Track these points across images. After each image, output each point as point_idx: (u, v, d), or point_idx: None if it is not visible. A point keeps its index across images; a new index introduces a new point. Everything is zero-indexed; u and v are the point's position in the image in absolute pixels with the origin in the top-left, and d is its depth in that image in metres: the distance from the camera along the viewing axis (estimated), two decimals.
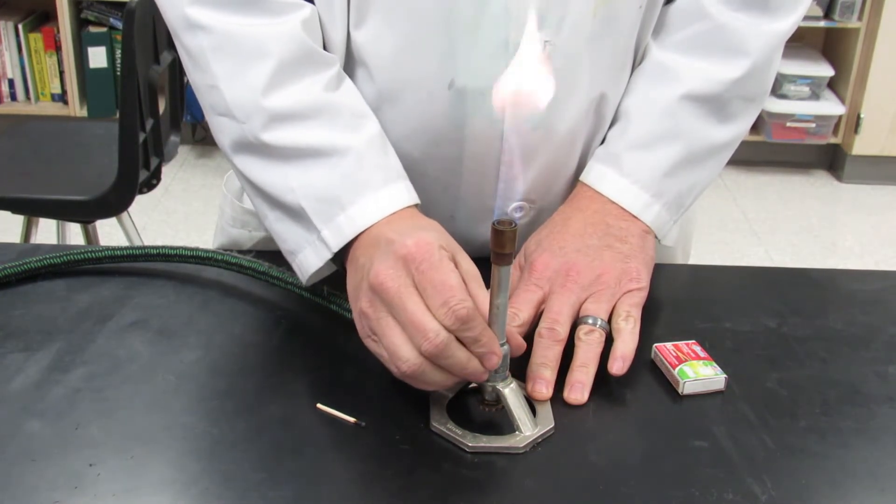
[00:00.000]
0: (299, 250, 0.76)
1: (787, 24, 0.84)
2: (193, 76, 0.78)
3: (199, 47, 0.76)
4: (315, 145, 0.74)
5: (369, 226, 0.72)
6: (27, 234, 2.10)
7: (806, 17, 3.51)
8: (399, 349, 0.65)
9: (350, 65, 0.82)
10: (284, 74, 0.75)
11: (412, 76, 0.80)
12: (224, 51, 0.75)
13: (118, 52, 3.28)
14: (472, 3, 0.76)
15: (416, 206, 0.75)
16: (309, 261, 0.76)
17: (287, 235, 0.77)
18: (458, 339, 0.64)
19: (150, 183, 2.02)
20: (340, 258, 0.75)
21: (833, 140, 3.48)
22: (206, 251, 0.84)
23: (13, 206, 1.98)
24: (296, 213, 0.75)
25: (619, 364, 0.72)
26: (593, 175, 0.84)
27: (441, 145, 0.83)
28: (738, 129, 0.87)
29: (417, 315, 0.64)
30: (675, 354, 0.74)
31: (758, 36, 0.83)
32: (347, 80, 0.80)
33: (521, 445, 0.66)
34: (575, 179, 0.88)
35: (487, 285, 0.66)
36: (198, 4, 0.75)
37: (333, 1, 0.78)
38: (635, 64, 0.87)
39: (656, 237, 0.84)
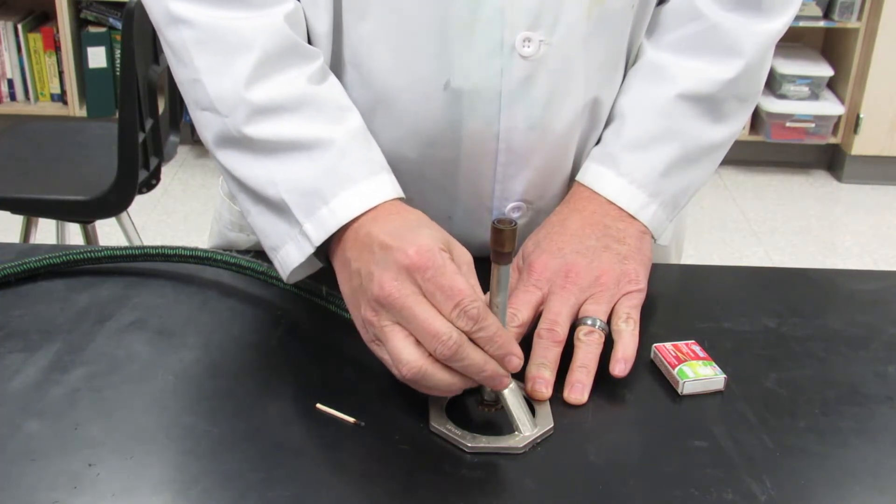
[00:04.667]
0: (281, 245, 0.76)
1: (780, 23, 0.85)
2: (177, 71, 0.78)
3: (181, 41, 0.76)
4: (297, 138, 0.74)
5: (352, 219, 0.71)
6: (26, 234, 2.10)
7: (805, 17, 3.50)
8: (401, 353, 0.64)
9: (341, 68, 0.82)
10: (268, 67, 0.75)
11: (407, 78, 0.80)
12: (207, 44, 0.75)
13: (117, 52, 3.28)
14: (467, 4, 0.76)
15: (401, 199, 0.74)
16: (291, 256, 0.75)
17: (269, 230, 0.76)
18: (474, 342, 0.64)
19: (150, 183, 2.02)
20: (325, 253, 0.75)
21: (832, 140, 3.47)
22: (206, 251, 0.84)
23: (12, 206, 1.97)
24: (278, 208, 0.75)
25: (621, 366, 0.72)
26: (590, 175, 0.84)
27: (437, 147, 0.83)
28: (731, 129, 0.87)
29: (429, 321, 0.63)
30: (674, 354, 0.74)
31: (751, 36, 0.83)
32: (332, 74, 0.80)
33: (521, 446, 0.66)
34: (571, 179, 0.88)
35: (486, 285, 0.66)
36: None
37: None
38: (629, 64, 0.87)
39: (653, 237, 0.84)
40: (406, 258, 0.65)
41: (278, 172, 0.74)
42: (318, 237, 0.73)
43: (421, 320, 0.63)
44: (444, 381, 0.65)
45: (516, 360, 0.65)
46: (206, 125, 0.77)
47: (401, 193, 0.75)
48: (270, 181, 0.74)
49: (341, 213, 0.72)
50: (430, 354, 0.64)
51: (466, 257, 0.68)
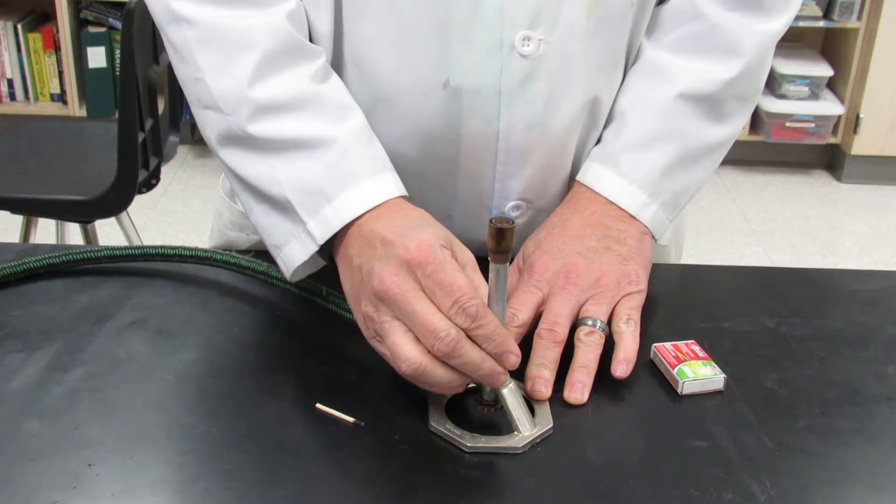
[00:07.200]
0: (285, 243, 0.76)
1: (780, 23, 0.85)
2: (179, 69, 0.78)
3: (183, 40, 0.76)
4: (301, 137, 0.74)
5: (355, 217, 0.71)
6: (26, 233, 2.10)
7: (805, 17, 3.50)
8: (400, 349, 0.65)
9: (342, 66, 0.82)
10: (270, 65, 0.75)
11: (407, 76, 0.80)
12: (209, 43, 0.75)
13: (117, 52, 3.28)
14: (467, 2, 0.76)
15: (405, 197, 0.75)
16: (294, 254, 0.75)
17: (273, 229, 0.77)
18: (472, 339, 0.64)
19: (149, 183, 2.02)
20: (328, 251, 0.75)
21: (832, 140, 3.48)
22: (205, 251, 0.84)
23: (12, 205, 1.98)
24: (282, 206, 0.75)
25: (622, 367, 0.72)
26: (591, 175, 0.84)
27: (437, 145, 0.83)
28: (732, 129, 0.87)
29: (427, 317, 0.63)
30: (674, 354, 0.74)
31: (751, 36, 0.83)
32: (333, 73, 0.80)
33: (520, 446, 0.66)
34: (570, 179, 0.88)
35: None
36: None
37: None
38: (629, 63, 0.87)
39: (653, 237, 0.84)
40: (407, 253, 0.65)
41: (282, 171, 0.74)
42: (322, 235, 0.73)
43: (420, 316, 0.63)
44: (443, 377, 0.65)
45: (514, 358, 0.65)
46: (209, 123, 0.77)
47: (404, 192, 0.75)
48: (274, 179, 0.75)
49: (345, 212, 0.72)
50: (429, 351, 0.64)
51: (470, 257, 0.68)
